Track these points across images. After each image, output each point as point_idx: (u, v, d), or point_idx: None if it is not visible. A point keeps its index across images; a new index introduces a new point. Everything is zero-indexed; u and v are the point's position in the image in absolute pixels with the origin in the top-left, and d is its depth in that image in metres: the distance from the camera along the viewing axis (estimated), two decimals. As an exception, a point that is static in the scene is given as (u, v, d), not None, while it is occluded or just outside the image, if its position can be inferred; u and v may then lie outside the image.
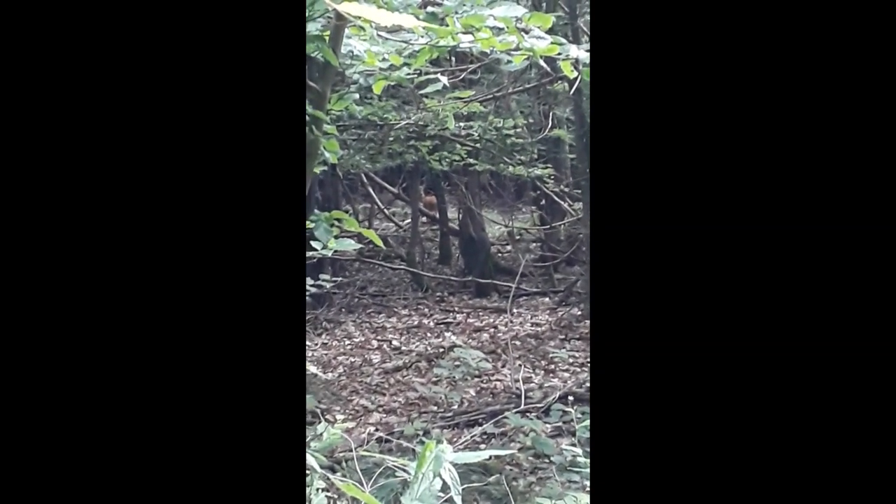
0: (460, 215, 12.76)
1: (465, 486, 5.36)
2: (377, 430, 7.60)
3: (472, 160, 11.20)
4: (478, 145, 11.05)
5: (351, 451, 5.37)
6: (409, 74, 3.89)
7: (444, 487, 4.07)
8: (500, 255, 12.85)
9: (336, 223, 3.77)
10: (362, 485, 4.62)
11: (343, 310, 10.98)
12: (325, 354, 9.57)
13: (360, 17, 1.74)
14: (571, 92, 9.18)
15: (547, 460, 6.53)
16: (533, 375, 8.80)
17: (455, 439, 7.02)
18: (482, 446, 6.54)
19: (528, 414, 7.56)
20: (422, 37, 3.05)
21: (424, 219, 13.61)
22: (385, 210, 14.47)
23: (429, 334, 10.21)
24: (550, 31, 3.22)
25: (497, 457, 6.10)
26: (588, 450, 5.48)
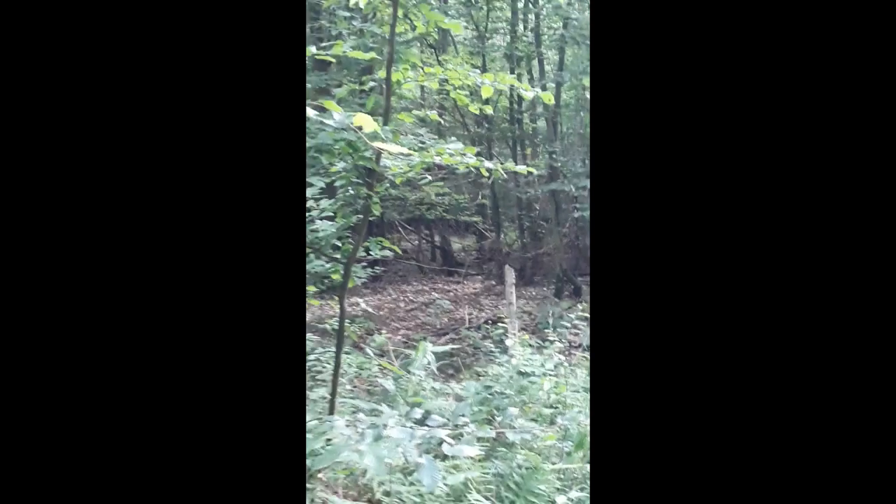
0: (440, 239, 12.75)
1: (441, 362, 5.35)
2: (402, 338, 7.61)
3: (445, 213, 11.23)
4: (447, 207, 11.09)
5: (390, 347, 5.36)
6: (413, 175, 3.89)
7: (429, 363, 4.08)
8: (458, 256, 12.82)
9: (379, 243, 3.76)
10: (394, 363, 4.59)
11: (387, 282, 10.94)
12: (379, 303, 9.52)
13: (383, 149, 1.74)
14: (490, 181, 9.19)
15: (479, 350, 6.53)
16: (473, 311, 8.80)
17: (437, 341, 6.99)
18: (448, 346, 6.47)
19: (470, 329, 7.59)
20: (417, 157, 3.05)
21: (425, 241, 13.54)
22: (406, 237, 14.43)
23: (425, 293, 10.16)
24: (478, 154, 3.24)
25: (454, 349, 6.12)
26: (497, 345, 5.44)
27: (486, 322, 7.78)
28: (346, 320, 4.32)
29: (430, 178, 5.02)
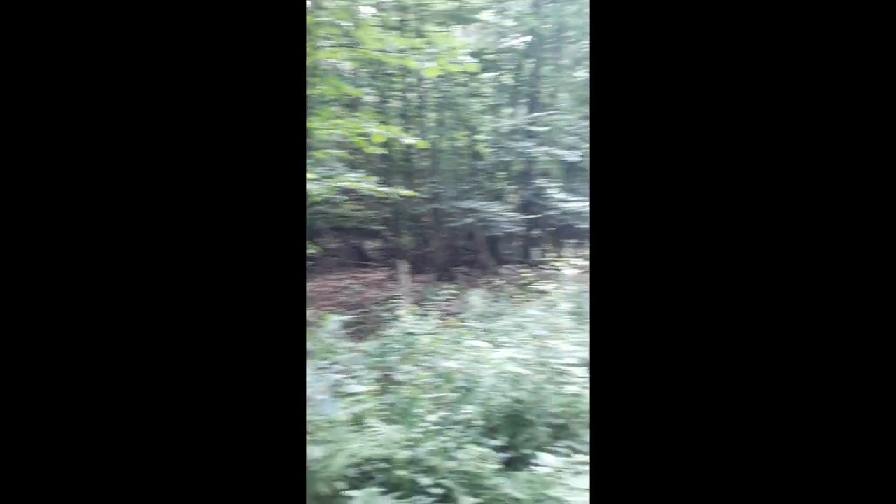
0: (356, 242, 12.30)
1: (353, 328, 5.19)
2: (326, 312, 7.17)
3: (360, 224, 10.92)
4: (362, 219, 10.79)
5: (316, 320, 5.14)
6: (329, 195, 3.80)
7: (336, 330, 4.03)
8: (369, 255, 12.43)
9: (310, 244, 3.66)
10: (316, 332, 4.43)
11: (316, 273, 10.29)
12: (308, 287, 8.89)
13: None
14: (390, 202, 9.07)
15: (381, 319, 6.32)
16: (379, 293, 8.28)
17: (350, 313, 6.54)
18: (359, 316, 6.23)
19: (375, 305, 7.22)
20: (324, 182, 2.98)
21: (345, 243, 12.97)
22: (332, 240, 13.84)
23: (343, 281, 9.48)
24: (380, 182, 3.22)
25: (363, 318, 5.94)
26: (392, 314, 5.38)
27: (386, 299, 7.68)
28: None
29: (346, 198, 4.99)
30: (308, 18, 2.92)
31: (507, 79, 9.21)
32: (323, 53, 2.93)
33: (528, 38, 8.58)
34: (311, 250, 4.18)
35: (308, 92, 2.89)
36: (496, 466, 2.18)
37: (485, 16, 8.82)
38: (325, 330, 3.84)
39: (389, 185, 8.49)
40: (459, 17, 8.28)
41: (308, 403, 1.73)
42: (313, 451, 1.95)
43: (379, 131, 2.99)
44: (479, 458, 2.19)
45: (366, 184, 2.90)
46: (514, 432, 2.33)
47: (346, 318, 4.46)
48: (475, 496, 2.05)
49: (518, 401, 2.42)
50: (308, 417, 2.38)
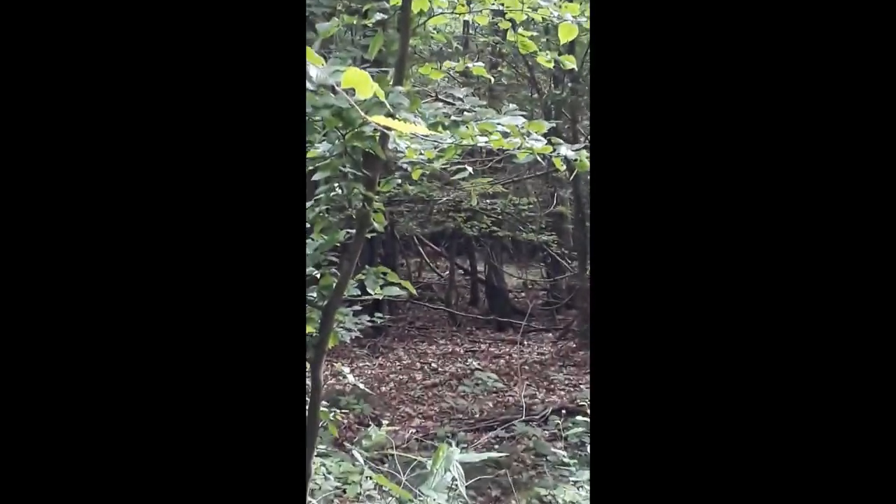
0: (486, 269, 12.78)
1: (480, 477, 5.31)
2: (417, 431, 7.58)
3: (495, 228, 11.29)
4: (500, 217, 11.13)
5: (393, 449, 5.34)
6: (444, 165, 3.80)
7: (454, 480, 4.05)
8: (515, 299, 12.83)
9: (382, 276, 3.68)
10: (399, 477, 4.56)
11: (395, 339, 10.99)
12: (380, 373, 9.54)
13: (389, 126, 1.61)
14: (571, 178, 9.20)
15: (544, 459, 6.46)
16: (536, 393, 8.83)
17: (475, 441, 6.96)
18: (496, 447, 6.43)
19: (530, 423, 7.62)
20: (450, 137, 2.99)
21: (460, 271, 13.58)
22: (430, 263, 14.47)
23: (458, 359, 10.16)
24: (554, 132, 3.18)
25: (503, 457, 6.07)
26: (575, 453, 5.41)
27: (559, 411, 7.71)
28: (323, 401, 4.23)
29: (470, 170, 4.90)
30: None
31: None
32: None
33: None
34: (387, 289, 4.52)
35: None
36: None
37: None
38: (433, 480, 3.96)
39: (573, 136, 8.57)
40: None
41: None
42: None
43: (571, 17, 3.09)
44: None
45: (533, 139, 2.96)
46: None
47: (464, 454, 4.55)
48: None
49: None
50: None
